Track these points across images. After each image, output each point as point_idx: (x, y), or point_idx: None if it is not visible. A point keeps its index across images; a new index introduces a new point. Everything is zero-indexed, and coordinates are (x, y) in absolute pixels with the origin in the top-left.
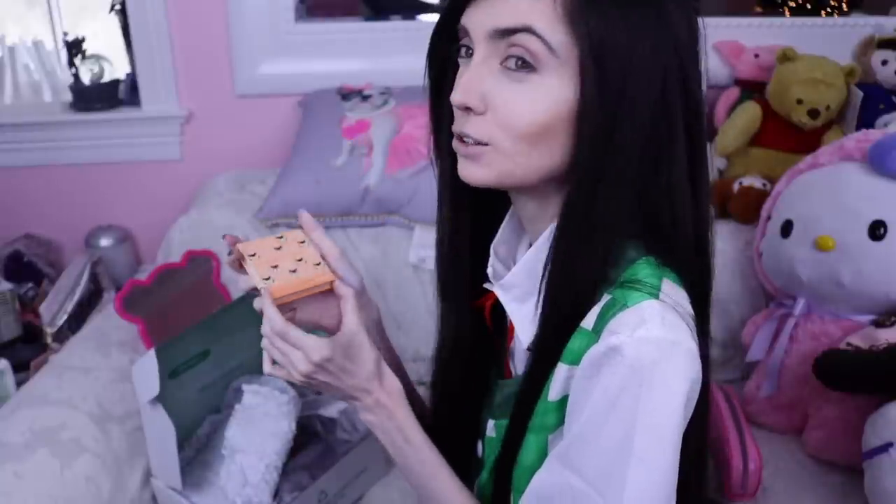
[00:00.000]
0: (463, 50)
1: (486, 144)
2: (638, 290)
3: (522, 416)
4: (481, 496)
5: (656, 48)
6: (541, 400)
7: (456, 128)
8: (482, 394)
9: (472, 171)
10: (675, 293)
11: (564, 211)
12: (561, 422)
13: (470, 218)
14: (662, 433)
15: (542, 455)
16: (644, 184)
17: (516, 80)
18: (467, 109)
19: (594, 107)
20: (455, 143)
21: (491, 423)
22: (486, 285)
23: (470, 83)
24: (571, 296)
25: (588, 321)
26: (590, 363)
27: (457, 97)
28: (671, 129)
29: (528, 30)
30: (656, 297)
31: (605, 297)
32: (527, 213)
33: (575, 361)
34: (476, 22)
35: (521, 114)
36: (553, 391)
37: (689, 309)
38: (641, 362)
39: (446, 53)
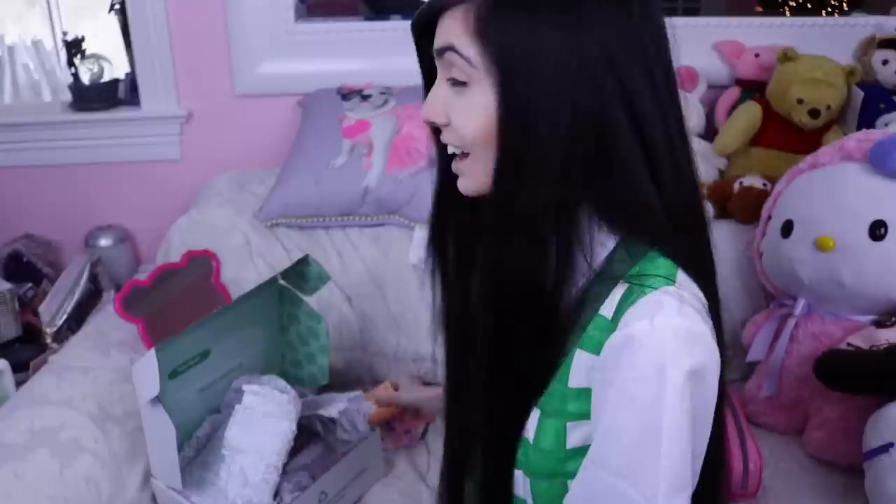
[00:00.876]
0: None
1: (468, 153)
2: (654, 279)
3: (526, 396)
4: (472, 479)
5: (567, 51)
6: (557, 384)
7: (441, 140)
8: None
9: (463, 184)
10: (688, 282)
11: (488, 208)
12: (582, 411)
13: (457, 217)
14: (687, 420)
15: (561, 440)
16: (596, 179)
17: (457, 93)
18: (433, 124)
19: (505, 110)
20: (452, 163)
21: None
22: None
23: (432, 100)
24: (509, 285)
25: (607, 310)
26: (609, 353)
27: (423, 114)
28: (608, 126)
29: (450, 48)
30: (672, 285)
31: (623, 287)
32: None
33: (594, 349)
34: (433, 43)
35: (465, 124)
36: (574, 378)
37: (703, 298)
38: (661, 350)
39: (430, 70)
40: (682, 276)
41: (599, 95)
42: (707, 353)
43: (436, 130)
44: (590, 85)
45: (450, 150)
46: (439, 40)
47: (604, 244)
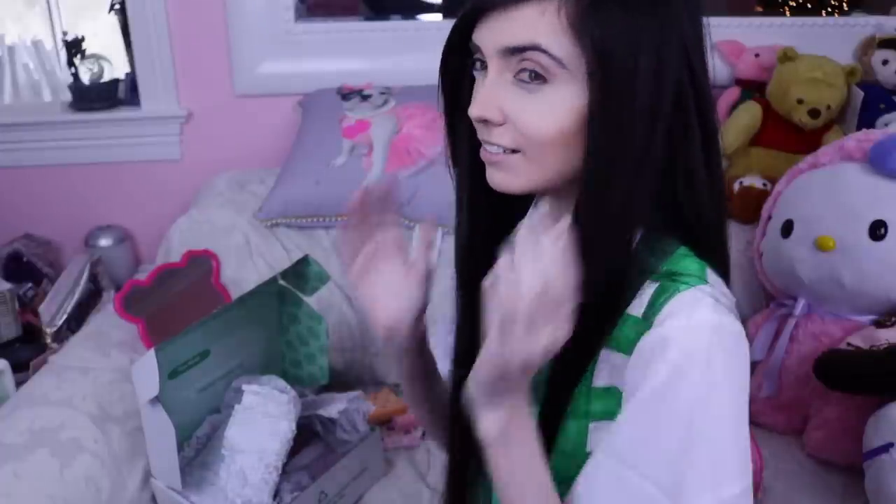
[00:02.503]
0: (478, 63)
1: (517, 151)
2: (686, 276)
3: (560, 401)
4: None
5: (663, 48)
6: (581, 384)
7: (482, 137)
8: None
9: (501, 179)
10: (719, 282)
11: (577, 207)
12: (605, 411)
13: (487, 220)
14: (727, 416)
15: (582, 442)
16: (664, 179)
17: (530, 91)
18: (486, 122)
19: (603, 111)
20: (483, 153)
21: None
22: None
23: (487, 97)
24: (593, 284)
25: (637, 308)
26: (644, 353)
27: (475, 112)
28: (686, 126)
29: (535, 48)
30: (704, 282)
31: (653, 286)
32: (551, 210)
33: (626, 350)
34: (487, 40)
35: (539, 123)
36: (599, 378)
37: (733, 297)
38: (699, 348)
39: (458, 66)
40: (712, 275)
41: (684, 91)
42: (743, 351)
43: (452, 139)
44: (673, 83)
45: (494, 149)
46: (512, 38)
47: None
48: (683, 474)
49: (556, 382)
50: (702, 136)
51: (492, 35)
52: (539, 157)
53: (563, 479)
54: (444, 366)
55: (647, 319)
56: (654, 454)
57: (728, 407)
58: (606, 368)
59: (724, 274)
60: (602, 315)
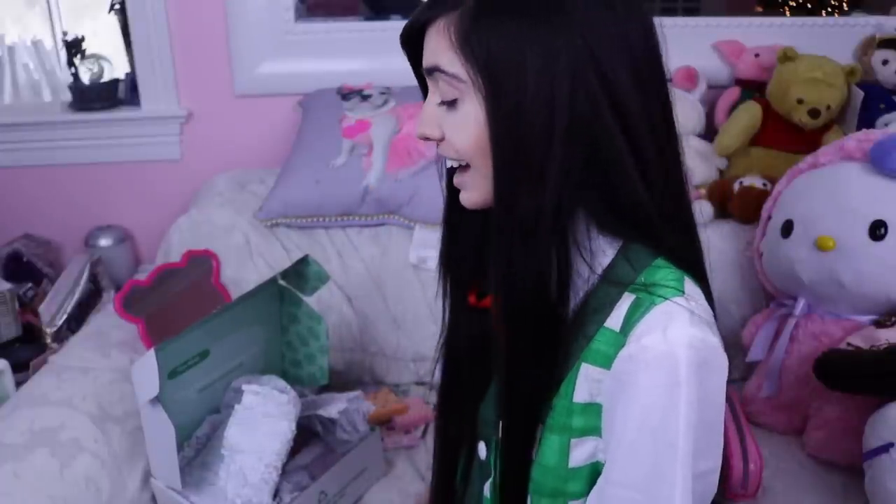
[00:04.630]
0: None
1: (468, 165)
2: (663, 289)
3: (530, 413)
4: (492, 498)
5: (554, 54)
6: (561, 398)
7: (438, 153)
8: (484, 394)
9: (466, 197)
10: (695, 292)
11: (492, 215)
12: (587, 427)
13: (471, 222)
14: (703, 429)
15: (564, 456)
16: (603, 187)
17: (449, 107)
18: (429, 139)
19: (496, 126)
20: (454, 176)
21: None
22: None
23: (425, 117)
24: (522, 290)
25: (614, 322)
26: (621, 368)
27: (418, 131)
28: (599, 128)
29: (436, 68)
30: (681, 295)
31: (629, 298)
32: None
33: (604, 364)
34: (423, 60)
35: (460, 138)
36: (579, 393)
37: (710, 309)
38: (674, 362)
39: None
40: (689, 286)
41: (586, 94)
42: (719, 364)
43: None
44: (577, 85)
45: (449, 164)
46: (427, 59)
47: (604, 251)
48: (659, 489)
49: (522, 394)
50: (625, 137)
51: (423, 55)
52: (482, 168)
53: (544, 493)
54: None
55: (625, 334)
56: (638, 465)
57: (700, 420)
58: (586, 384)
59: (700, 273)
60: (539, 321)
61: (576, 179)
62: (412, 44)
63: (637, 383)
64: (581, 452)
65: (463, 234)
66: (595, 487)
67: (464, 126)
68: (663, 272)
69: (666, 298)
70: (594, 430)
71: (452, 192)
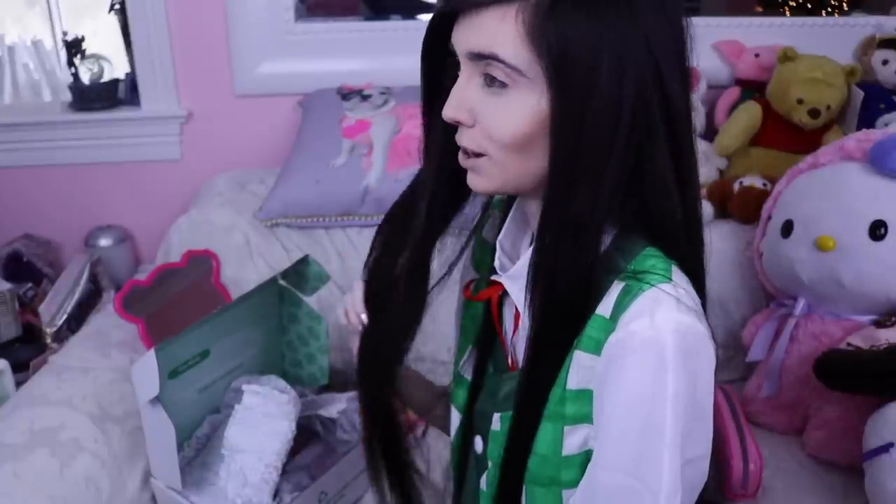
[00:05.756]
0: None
1: (482, 155)
2: (651, 276)
3: (535, 404)
4: (489, 492)
5: (625, 52)
6: (556, 387)
7: (457, 139)
8: (479, 388)
9: (476, 182)
10: (684, 280)
11: (543, 209)
12: (579, 414)
13: (444, 213)
14: (687, 415)
15: (558, 445)
16: (628, 180)
17: (494, 94)
18: (458, 123)
19: (563, 117)
20: (460, 156)
21: (496, 417)
22: (493, 277)
23: (457, 99)
24: (563, 284)
25: (604, 308)
26: (610, 353)
27: (447, 113)
28: (649, 128)
29: (493, 57)
30: (669, 282)
31: (619, 286)
32: (529, 210)
33: (594, 350)
34: (458, 43)
35: (503, 126)
36: (572, 380)
37: (697, 297)
38: (661, 347)
39: (437, 65)
40: (677, 274)
41: (647, 94)
42: (706, 351)
43: (427, 135)
44: (641, 85)
45: (461, 153)
46: (475, 44)
47: (604, 242)
48: (647, 472)
49: (530, 385)
50: (669, 139)
51: (461, 38)
52: (502, 160)
53: (539, 482)
54: None
55: (614, 320)
56: (621, 448)
57: (687, 405)
58: (579, 370)
59: (699, 275)
60: (571, 317)
61: (627, 178)
62: (440, 28)
63: (624, 367)
64: (574, 440)
65: (440, 214)
66: (585, 473)
67: (509, 115)
68: (652, 261)
69: (653, 285)
70: (586, 418)
71: (439, 181)
